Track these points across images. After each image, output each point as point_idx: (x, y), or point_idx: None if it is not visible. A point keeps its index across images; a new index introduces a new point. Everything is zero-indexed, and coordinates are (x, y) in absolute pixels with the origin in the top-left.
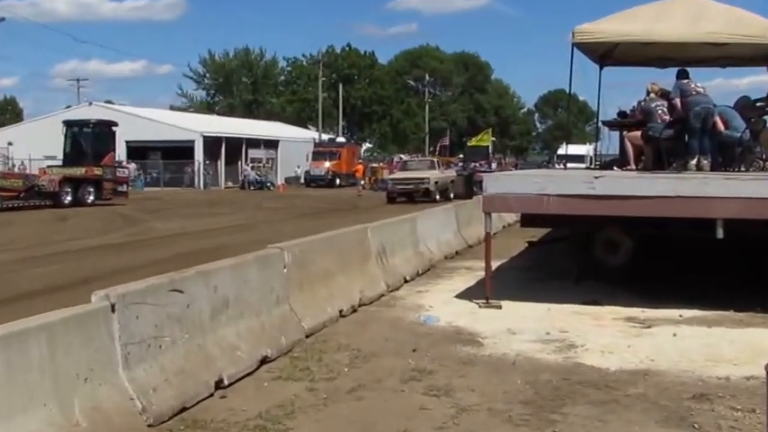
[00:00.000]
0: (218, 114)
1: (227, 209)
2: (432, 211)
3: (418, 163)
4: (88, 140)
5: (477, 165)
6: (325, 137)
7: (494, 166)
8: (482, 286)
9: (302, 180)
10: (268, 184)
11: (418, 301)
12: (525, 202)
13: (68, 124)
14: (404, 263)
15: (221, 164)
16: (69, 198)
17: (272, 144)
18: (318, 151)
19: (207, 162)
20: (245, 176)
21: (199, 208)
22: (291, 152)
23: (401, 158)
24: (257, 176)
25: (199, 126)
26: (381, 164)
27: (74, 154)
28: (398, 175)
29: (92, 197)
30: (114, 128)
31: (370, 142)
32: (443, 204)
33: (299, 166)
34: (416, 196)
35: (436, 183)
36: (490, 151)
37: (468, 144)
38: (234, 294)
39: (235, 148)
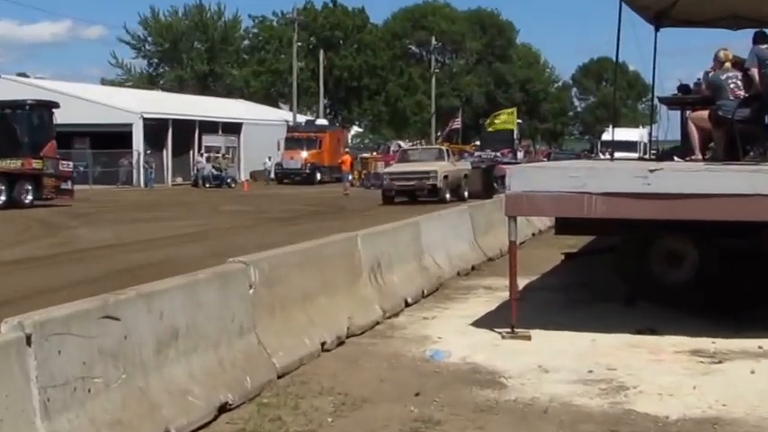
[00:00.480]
0: (164, 90)
1: (175, 212)
2: (440, 215)
3: (422, 152)
4: (23, 126)
5: (499, 155)
6: (301, 119)
7: (520, 155)
8: (506, 311)
9: (272, 175)
10: (228, 181)
11: (423, 331)
12: (561, 203)
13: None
14: (404, 281)
15: (167, 155)
16: (3, 197)
17: (233, 128)
18: (293, 137)
19: (148, 152)
20: (198, 171)
21: (139, 211)
22: (258, 139)
23: (400, 147)
24: (214, 170)
25: (138, 105)
26: (375, 153)
27: (5, 143)
28: (397, 167)
29: (30, 196)
30: (55, 110)
31: (359, 126)
32: (455, 206)
33: (269, 158)
34: (420, 195)
35: (445, 178)
36: (515, 137)
37: (487, 128)
38: (185, 323)
39: (185, 133)
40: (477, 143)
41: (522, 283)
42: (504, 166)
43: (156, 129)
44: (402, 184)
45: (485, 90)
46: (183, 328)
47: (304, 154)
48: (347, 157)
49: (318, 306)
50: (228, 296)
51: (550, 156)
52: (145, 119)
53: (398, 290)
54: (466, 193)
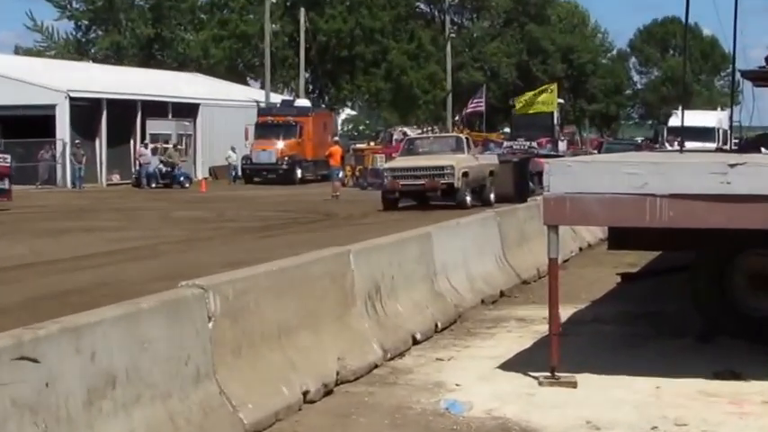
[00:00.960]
0: (96, 62)
1: (111, 221)
2: (459, 224)
3: (434, 142)
4: None
5: (535, 145)
6: (276, 98)
7: (562, 146)
8: (544, 349)
9: (238, 172)
10: (181, 179)
11: (436, 376)
12: (615, 209)
13: None
14: (412, 311)
15: (101, 145)
16: None
17: (187, 111)
18: (266, 123)
19: (77, 142)
20: (141, 166)
21: (64, 219)
22: (221, 125)
23: (405, 135)
24: (163, 166)
25: (63, 81)
26: (373, 144)
27: None
28: (401, 162)
29: None
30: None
31: (352, 107)
32: (478, 212)
33: (233, 149)
34: (432, 198)
35: (465, 175)
36: (555, 122)
37: (519, 110)
38: (124, 366)
39: (124, 118)
40: (507, 130)
41: (565, 313)
42: (541, 160)
43: (86, 112)
44: (408, 183)
45: (515, 61)
46: (122, 373)
47: (280, 144)
48: (336, 149)
49: (299, 344)
50: (181, 331)
51: (602, 146)
52: (72, 99)
53: (404, 322)
54: (492, 196)
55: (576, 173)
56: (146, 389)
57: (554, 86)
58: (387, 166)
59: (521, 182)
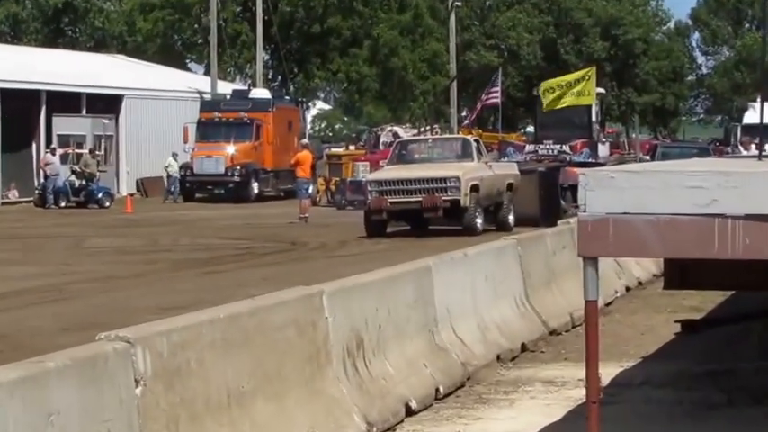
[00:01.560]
0: None
1: (6, 252)
2: (467, 256)
3: (434, 146)
4: None
5: (567, 149)
6: (225, 88)
7: (603, 150)
8: (579, 422)
9: (175, 186)
10: (100, 196)
11: None
12: (673, 235)
13: None
14: (405, 371)
15: None
16: None
17: (107, 105)
18: (211, 121)
19: None
20: (47, 178)
21: None
22: (151, 123)
23: (396, 136)
24: (75, 178)
25: None
26: (353, 148)
27: None
28: (390, 173)
29: None
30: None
31: (326, 100)
32: (493, 239)
33: (175, 156)
34: (431, 220)
35: (475, 189)
36: (594, 118)
37: (546, 104)
38: None
39: (23, 113)
40: (530, 130)
41: (608, 373)
42: (575, 170)
43: None
44: (399, 200)
45: (540, 38)
46: None
47: (230, 149)
48: (305, 156)
49: (256, 415)
50: (99, 399)
51: (656, 150)
52: None
53: (395, 386)
54: (511, 218)
55: (621, 187)
56: None
57: (592, 71)
58: (371, 177)
59: (549, 199)
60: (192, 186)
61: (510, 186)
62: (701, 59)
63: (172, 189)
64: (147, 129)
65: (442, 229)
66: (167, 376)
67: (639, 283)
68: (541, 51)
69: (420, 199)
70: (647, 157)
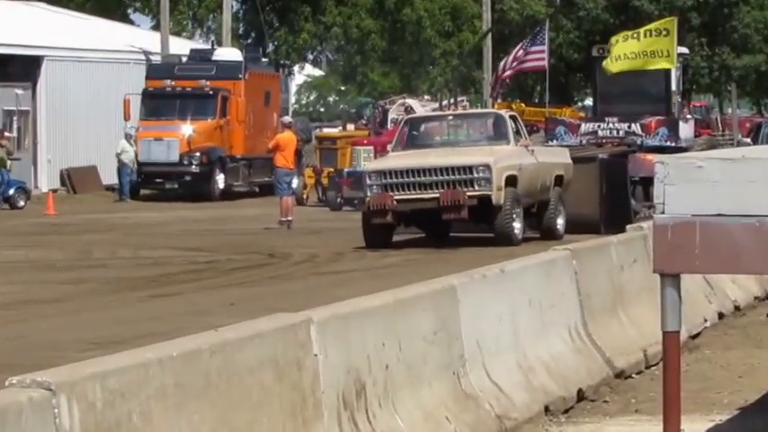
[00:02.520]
0: None
1: None
2: (504, 273)
3: (455, 124)
4: None
5: (638, 129)
6: (180, 46)
7: (686, 130)
8: None
9: (131, 179)
10: (11, 192)
11: None
12: None
13: None
14: (422, 426)
15: None
16: None
17: (21, 69)
18: (161, 91)
19: None
20: None
21: None
22: (81, 94)
23: (410, 110)
24: None
25: None
26: (352, 127)
27: None
28: (398, 160)
29: None
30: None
31: (315, 63)
32: (538, 250)
33: (129, 138)
34: (452, 223)
35: (511, 182)
36: (674, 87)
37: (610, 66)
38: None
39: None
40: (588, 103)
41: (694, 429)
42: (650, 157)
43: None
44: (410, 197)
45: None
46: None
47: (186, 130)
48: (288, 138)
49: None
50: None
51: (760, 130)
52: None
53: None
54: (561, 221)
55: (712, 180)
56: None
57: (672, 23)
58: (371, 167)
59: (613, 196)
60: (137, 180)
61: (559, 179)
62: None
63: (127, 182)
64: (76, 102)
65: (469, 237)
66: None
67: (737, 308)
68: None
69: (437, 195)
70: (748, 140)
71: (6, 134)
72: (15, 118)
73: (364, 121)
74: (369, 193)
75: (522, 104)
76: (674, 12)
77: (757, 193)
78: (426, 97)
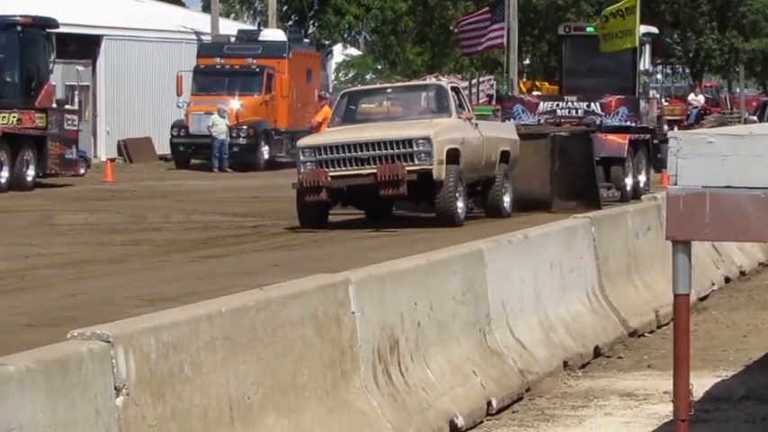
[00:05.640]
0: None
1: None
2: (528, 239)
3: (394, 97)
4: (12, 58)
5: (596, 108)
6: (229, 28)
7: (649, 109)
8: None
9: (223, 152)
10: (73, 160)
11: None
12: None
13: None
14: (450, 380)
15: None
16: (7, 174)
17: (81, 47)
18: (211, 69)
19: None
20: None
21: None
22: (138, 71)
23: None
24: None
25: None
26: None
27: None
28: (330, 135)
29: (32, 171)
30: (51, 30)
31: (353, 43)
32: (560, 221)
33: (221, 112)
34: (391, 200)
35: (453, 157)
36: (644, 66)
37: (604, 43)
38: None
39: None
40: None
41: (701, 385)
42: (612, 137)
43: None
44: (343, 173)
45: None
46: None
47: (234, 104)
48: (329, 113)
49: None
50: (70, 411)
51: (765, 109)
52: None
53: (436, 399)
54: (507, 199)
55: (722, 154)
56: None
57: (635, 1)
58: (303, 142)
59: (570, 174)
60: (187, 150)
61: (505, 155)
62: None
63: (217, 157)
64: (132, 78)
65: (408, 216)
66: (156, 384)
67: (742, 273)
68: None
69: (374, 170)
70: (755, 118)
71: (68, 107)
72: (77, 92)
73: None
74: (302, 170)
75: (546, 83)
76: None
77: (763, 166)
78: (458, 76)
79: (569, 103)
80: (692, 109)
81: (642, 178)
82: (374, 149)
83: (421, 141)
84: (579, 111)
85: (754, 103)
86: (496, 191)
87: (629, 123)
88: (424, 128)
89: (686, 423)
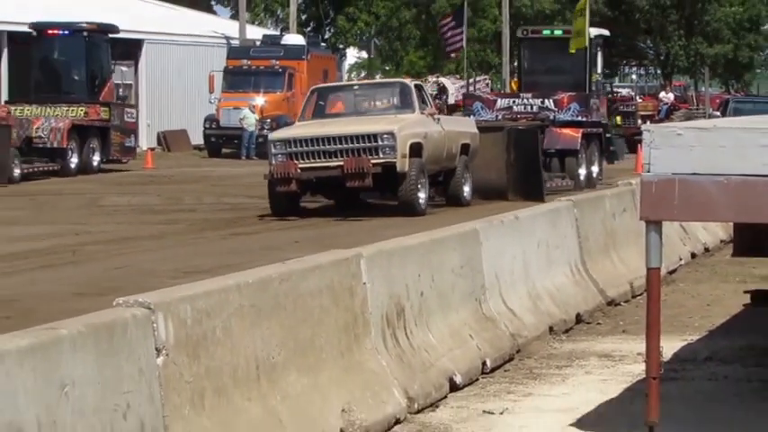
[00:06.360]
0: None
1: (16, 210)
2: (518, 219)
3: (361, 94)
4: (80, 59)
5: (549, 105)
6: (255, 32)
7: (599, 105)
8: (638, 400)
9: (251, 143)
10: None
11: None
12: (745, 197)
13: (41, 29)
14: (449, 343)
15: None
16: (76, 159)
17: (125, 50)
18: (239, 69)
19: None
20: None
21: None
22: (175, 71)
23: (443, 88)
24: None
25: None
26: None
27: (53, 83)
28: (300, 129)
29: (98, 157)
30: (112, 35)
31: (363, 47)
32: (547, 203)
33: (251, 108)
34: (356, 190)
35: (415, 150)
36: (594, 66)
37: (573, 43)
38: (36, 417)
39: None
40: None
41: (669, 347)
42: (566, 131)
43: None
44: (312, 165)
45: None
46: (33, 428)
47: (259, 100)
48: None
49: (288, 389)
50: (117, 370)
51: (728, 105)
52: None
53: (438, 359)
54: (467, 189)
55: (688, 145)
56: None
57: (586, 3)
58: (275, 136)
59: (524, 166)
60: (218, 140)
61: (465, 148)
62: None
63: (246, 147)
64: (170, 77)
65: (379, 205)
66: (192, 346)
67: (706, 249)
68: None
69: (341, 163)
70: (718, 113)
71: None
72: (121, 90)
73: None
74: (273, 162)
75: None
76: (660, 8)
77: (725, 156)
78: (457, 76)
79: (525, 100)
80: (663, 105)
81: (595, 169)
82: (342, 143)
83: (386, 136)
84: (534, 107)
85: (718, 101)
86: (457, 181)
87: (580, 118)
88: (388, 123)
89: (657, 380)
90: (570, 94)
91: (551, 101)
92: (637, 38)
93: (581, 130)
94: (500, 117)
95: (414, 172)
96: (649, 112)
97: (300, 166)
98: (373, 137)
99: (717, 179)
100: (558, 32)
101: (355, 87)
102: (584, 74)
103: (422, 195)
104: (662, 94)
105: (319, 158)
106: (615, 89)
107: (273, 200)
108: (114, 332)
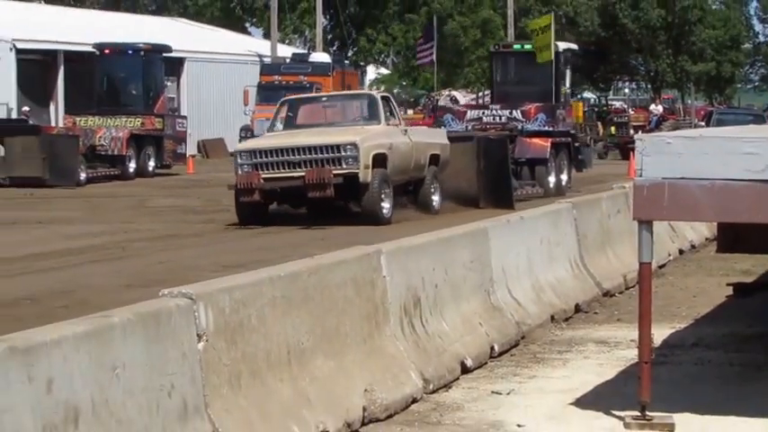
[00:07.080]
0: (49, 2)
1: (70, 210)
2: (522, 219)
3: (329, 106)
4: (137, 75)
5: (517, 116)
6: (285, 51)
7: (565, 115)
8: (632, 382)
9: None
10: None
11: (492, 415)
12: (728, 200)
13: (104, 48)
14: (461, 330)
15: (57, 111)
16: (134, 165)
17: (168, 67)
18: (271, 84)
19: (26, 109)
20: None
21: (9, 208)
22: (212, 86)
23: (453, 100)
24: None
25: (7, 28)
26: (411, 112)
27: (114, 96)
28: (265, 140)
29: (152, 163)
30: (166, 54)
31: (383, 63)
32: (548, 205)
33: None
34: (317, 200)
35: (379, 161)
36: (568, 80)
37: (540, 55)
38: (90, 396)
39: (83, 74)
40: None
41: (660, 334)
42: (534, 141)
43: (36, 67)
44: (276, 176)
45: (598, 4)
46: (87, 405)
47: None
48: None
49: (315, 372)
50: (163, 354)
51: (711, 117)
52: (19, 50)
53: (451, 344)
54: (436, 198)
55: (677, 152)
56: (117, 426)
57: (549, 19)
58: (240, 147)
59: (494, 174)
60: None
61: (435, 158)
62: (759, 28)
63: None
64: (208, 91)
65: (334, 217)
66: (229, 332)
67: (693, 246)
68: (599, 18)
69: (303, 173)
70: (702, 123)
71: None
72: (174, 103)
73: (420, 108)
74: (239, 172)
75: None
76: (649, 29)
77: (710, 162)
78: (468, 90)
79: (494, 111)
80: (653, 117)
81: (564, 177)
82: (304, 154)
83: (348, 147)
84: (502, 118)
85: (702, 112)
86: (426, 190)
87: (546, 128)
88: (352, 134)
89: (648, 364)
90: (537, 104)
91: (519, 111)
92: (629, 56)
93: (550, 140)
94: (470, 128)
95: (376, 182)
96: (641, 123)
97: (264, 176)
98: (336, 148)
99: (702, 183)
100: (528, 47)
101: (323, 99)
102: (551, 85)
103: (385, 205)
104: (652, 107)
105: (283, 169)
106: (610, 102)
107: (239, 210)
108: (160, 320)
